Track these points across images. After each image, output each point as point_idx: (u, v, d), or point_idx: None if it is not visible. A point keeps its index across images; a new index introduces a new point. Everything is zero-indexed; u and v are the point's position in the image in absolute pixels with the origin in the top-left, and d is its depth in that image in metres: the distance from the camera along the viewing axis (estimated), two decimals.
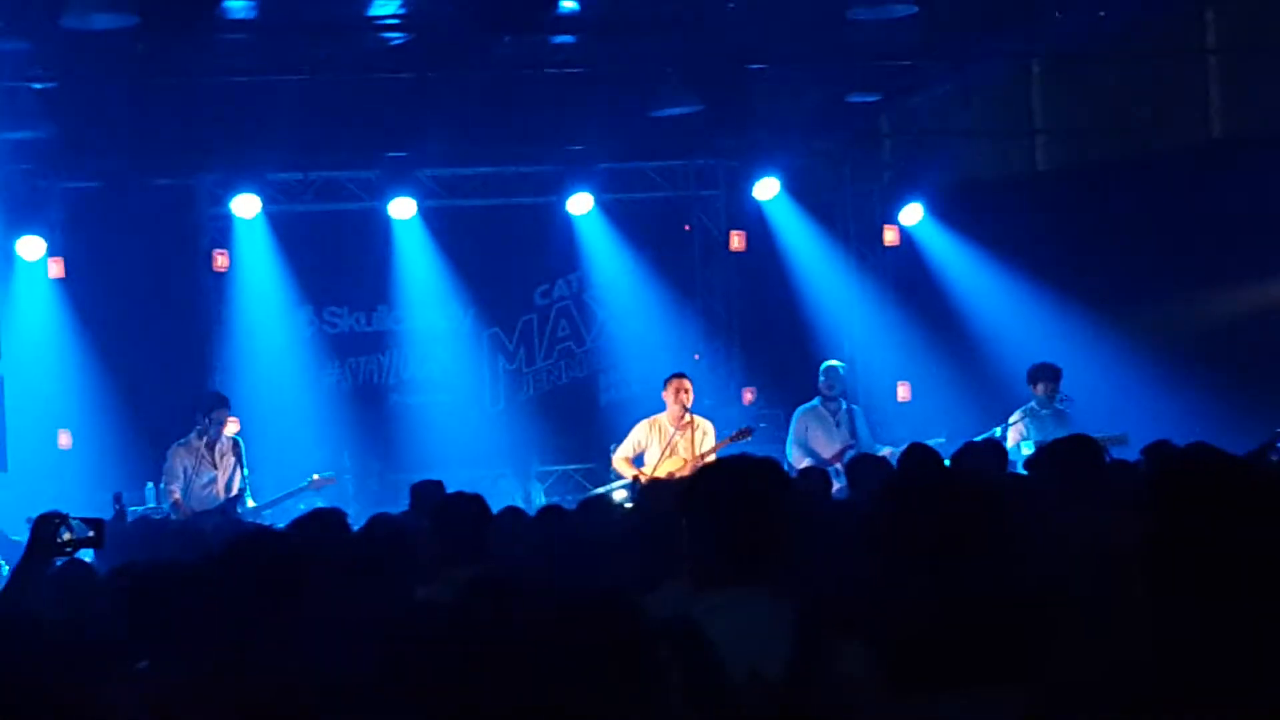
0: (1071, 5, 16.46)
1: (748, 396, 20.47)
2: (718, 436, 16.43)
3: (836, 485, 12.75)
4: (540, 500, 17.73)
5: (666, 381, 16.48)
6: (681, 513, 4.95)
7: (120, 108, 17.04)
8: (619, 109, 18.40)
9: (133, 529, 12.13)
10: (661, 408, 16.46)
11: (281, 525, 13.77)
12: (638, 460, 16.23)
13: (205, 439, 15.64)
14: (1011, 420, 16.43)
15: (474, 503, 7.63)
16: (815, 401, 17.18)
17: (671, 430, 16.03)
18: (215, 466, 15.64)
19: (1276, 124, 18.23)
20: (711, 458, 15.57)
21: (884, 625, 4.67)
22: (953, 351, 20.18)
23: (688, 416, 16.18)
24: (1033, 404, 16.56)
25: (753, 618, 4.69)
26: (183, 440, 15.75)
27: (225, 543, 6.21)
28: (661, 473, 15.41)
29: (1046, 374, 16.64)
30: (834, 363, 17.50)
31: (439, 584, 6.59)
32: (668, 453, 15.93)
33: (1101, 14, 16.63)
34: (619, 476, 16.43)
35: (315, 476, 16.27)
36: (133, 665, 5.78)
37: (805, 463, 15.95)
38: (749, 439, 16.25)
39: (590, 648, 4.35)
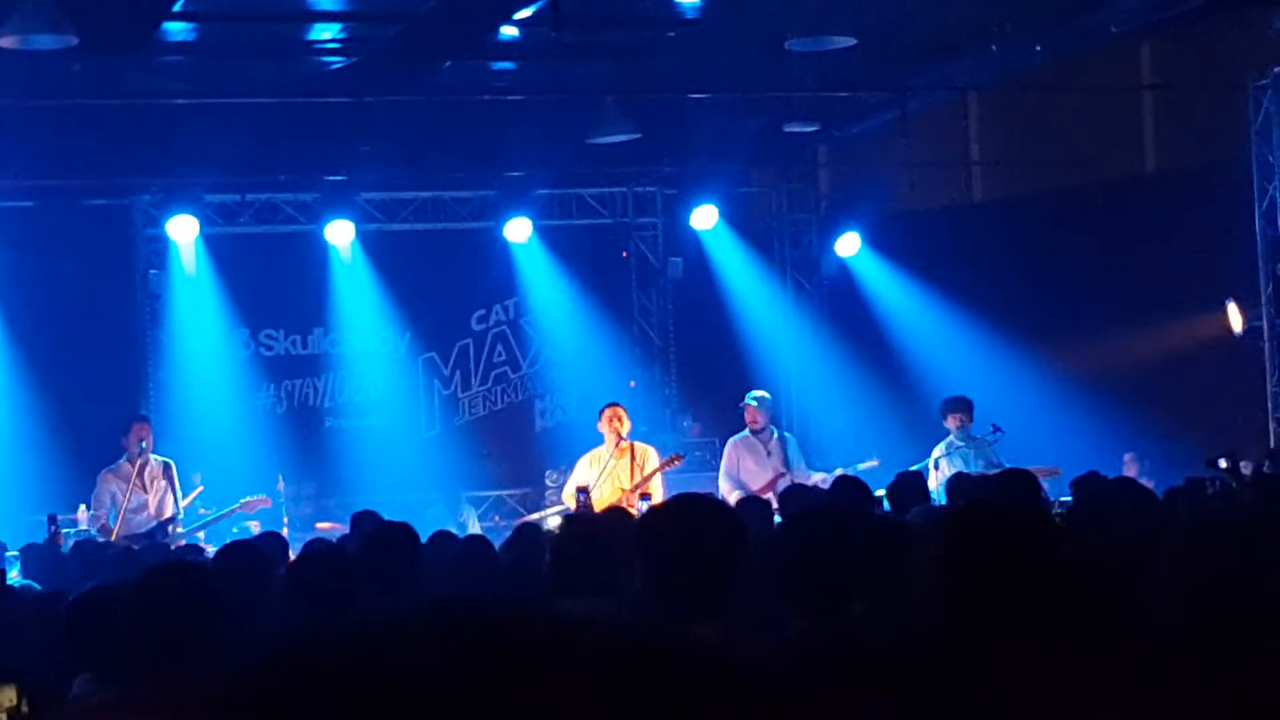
0: (1008, 39, 16.57)
1: (695, 430, 20.42)
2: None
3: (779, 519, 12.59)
4: (475, 526, 17.64)
5: (600, 412, 16.27)
6: (635, 550, 4.93)
7: (57, 127, 16.95)
8: (557, 135, 18.43)
9: (71, 556, 12.12)
10: (600, 438, 16.23)
11: (214, 545, 13.77)
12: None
13: (137, 463, 15.38)
14: (935, 456, 16.15)
15: (401, 530, 7.59)
16: (745, 432, 16.88)
17: (608, 459, 15.85)
18: (146, 490, 15.44)
19: (1209, 158, 18.38)
20: (656, 483, 15.54)
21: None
22: (888, 380, 20.26)
23: (624, 444, 15.97)
24: (951, 437, 16.31)
25: None
26: (112, 466, 15.54)
27: (145, 570, 6.19)
28: (601, 503, 15.20)
29: (958, 406, 16.42)
30: (758, 394, 17.01)
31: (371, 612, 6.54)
32: (605, 481, 15.69)
33: (1038, 48, 16.75)
34: (568, 508, 16.09)
35: (247, 499, 16.12)
36: (67, 686, 5.77)
37: (735, 495, 15.19)
38: (679, 465, 16.13)
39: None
